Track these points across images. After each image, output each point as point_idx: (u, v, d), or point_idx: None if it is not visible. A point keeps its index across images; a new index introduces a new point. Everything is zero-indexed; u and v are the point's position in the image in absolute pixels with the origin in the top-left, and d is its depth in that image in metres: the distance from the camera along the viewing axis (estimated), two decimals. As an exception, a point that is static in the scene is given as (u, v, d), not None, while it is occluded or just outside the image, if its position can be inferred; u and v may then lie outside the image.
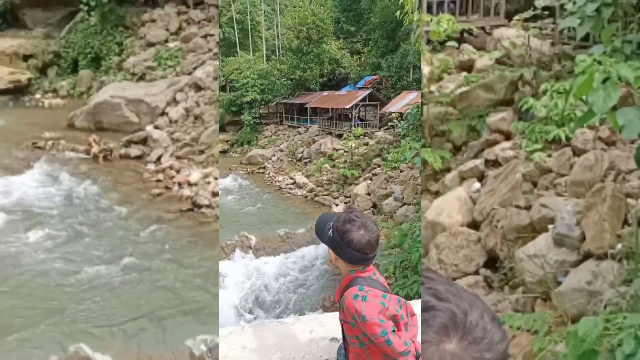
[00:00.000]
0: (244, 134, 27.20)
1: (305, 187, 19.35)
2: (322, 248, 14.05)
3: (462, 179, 4.58)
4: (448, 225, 4.39)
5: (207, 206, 7.42)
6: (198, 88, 10.66)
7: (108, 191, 7.92)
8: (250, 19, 32.26)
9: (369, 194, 16.97)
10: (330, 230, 1.57)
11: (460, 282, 4.35)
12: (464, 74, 5.54)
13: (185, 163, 8.90)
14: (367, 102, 23.70)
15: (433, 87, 5.31)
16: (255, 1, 34.81)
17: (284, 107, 27.79)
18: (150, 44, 13.41)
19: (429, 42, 5.40)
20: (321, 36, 26.12)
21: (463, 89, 5.26)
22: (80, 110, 11.09)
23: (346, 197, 17.75)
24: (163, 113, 10.57)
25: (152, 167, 9.13)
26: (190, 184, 8.10)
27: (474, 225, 4.41)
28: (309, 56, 26.29)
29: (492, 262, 4.41)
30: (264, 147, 25.04)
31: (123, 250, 5.88)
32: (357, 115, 23.67)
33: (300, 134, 25.02)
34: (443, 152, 4.81)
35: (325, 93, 26.27)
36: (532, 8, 5.22)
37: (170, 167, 8.81)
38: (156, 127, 10.20)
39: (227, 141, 27.87)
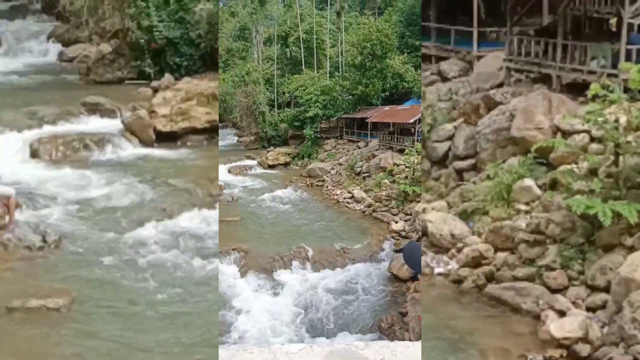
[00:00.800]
0: (305, 148, 27.61)
1: (364, 202, 19.08)
2: (381, 266, 13.74)
3: (661, 234, 4.26)
4: (645, 283, 4.07)
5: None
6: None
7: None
8: (315, 38, 32.95)
9: (432, 214, 16.43)
10: None
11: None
12: (665, 124, 5.17)
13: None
14: (430, 119, 23.18)
15: (630, 137, 4.99)
16: (322, 21, 35.54)
17: (345, 122, 27.88)
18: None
19: (626, 90, 5.10)
20: (385, 51, 26.03)
21: (664, 140, 4.88)
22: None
23: (406, 214, 17.27)
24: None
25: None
26: None
27: (674, 284, 4.06)
28: (372, 71, 26.24)
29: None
30: (323, 161, 25.18)
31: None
32: (419, 129, 23.24)
33: (359, 148, 24.91)
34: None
35: (386, 108, 26.05)
36: None
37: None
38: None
39: (289, 154, 28.38)
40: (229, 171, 25.05)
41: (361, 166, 22.25)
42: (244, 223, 16.15)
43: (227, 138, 36.96)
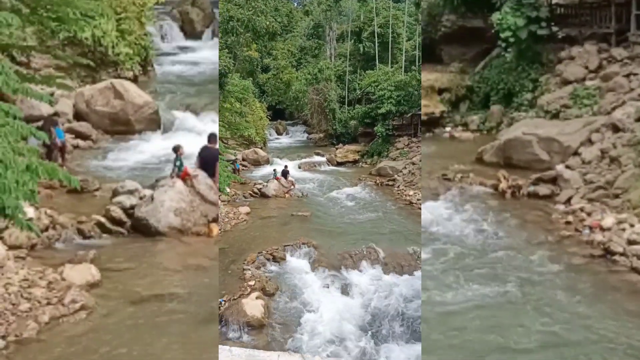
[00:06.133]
0: (375, 145, 26.67)
1: (440, 204, 17.70)
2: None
3: None
4: None
5: (621, 254, 7.32)
6: (616, 129, 10.42)
7: (513, 228, 7.97)
8: (391, 32, 31.80)
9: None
10: None
11: None
12: None
13: (597, 206, 8.75)
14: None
15: None
16: (398, 14, 34.27)
17: (420, 119, 26.49)
18: (567, 82, 13.25)
19: None
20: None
21: None
22: (490, 145, 11.44)
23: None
24: (576, 153, 10.53)
25: (561, 207, 9.09)
26: (602, 229, 7.98)
27: None
28: (452, 65, 24.45)
29: None
30: (394, 159, 24.05)
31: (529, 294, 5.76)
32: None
33: (435, 146, 23.42)
34: None
35: (466, 105, 24.16)
36: None
37: (581, 210, 8.78)
38: (568, 167, 10.18)
39: (358, 152, 27.79)
40: (299, 167, 25.19)
41: (437, 166, 20.79)
42: (313, 218, 16.01)
43: (297, 135, 37.50)
